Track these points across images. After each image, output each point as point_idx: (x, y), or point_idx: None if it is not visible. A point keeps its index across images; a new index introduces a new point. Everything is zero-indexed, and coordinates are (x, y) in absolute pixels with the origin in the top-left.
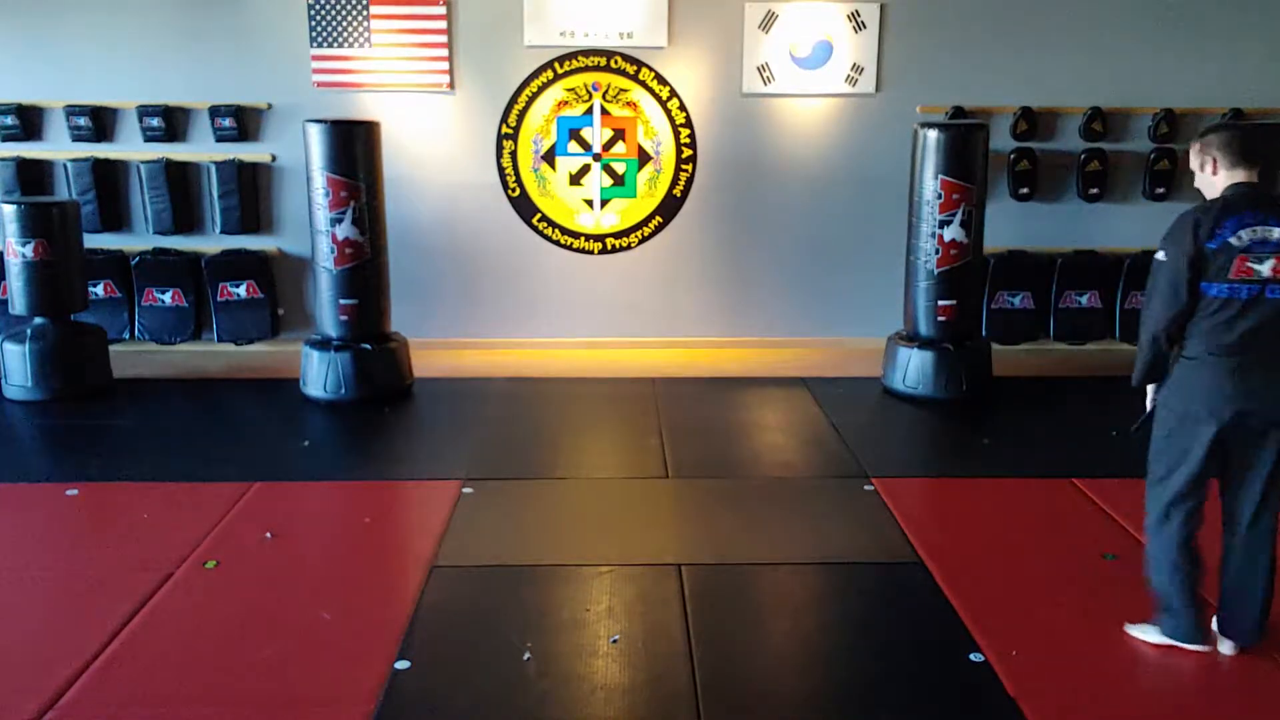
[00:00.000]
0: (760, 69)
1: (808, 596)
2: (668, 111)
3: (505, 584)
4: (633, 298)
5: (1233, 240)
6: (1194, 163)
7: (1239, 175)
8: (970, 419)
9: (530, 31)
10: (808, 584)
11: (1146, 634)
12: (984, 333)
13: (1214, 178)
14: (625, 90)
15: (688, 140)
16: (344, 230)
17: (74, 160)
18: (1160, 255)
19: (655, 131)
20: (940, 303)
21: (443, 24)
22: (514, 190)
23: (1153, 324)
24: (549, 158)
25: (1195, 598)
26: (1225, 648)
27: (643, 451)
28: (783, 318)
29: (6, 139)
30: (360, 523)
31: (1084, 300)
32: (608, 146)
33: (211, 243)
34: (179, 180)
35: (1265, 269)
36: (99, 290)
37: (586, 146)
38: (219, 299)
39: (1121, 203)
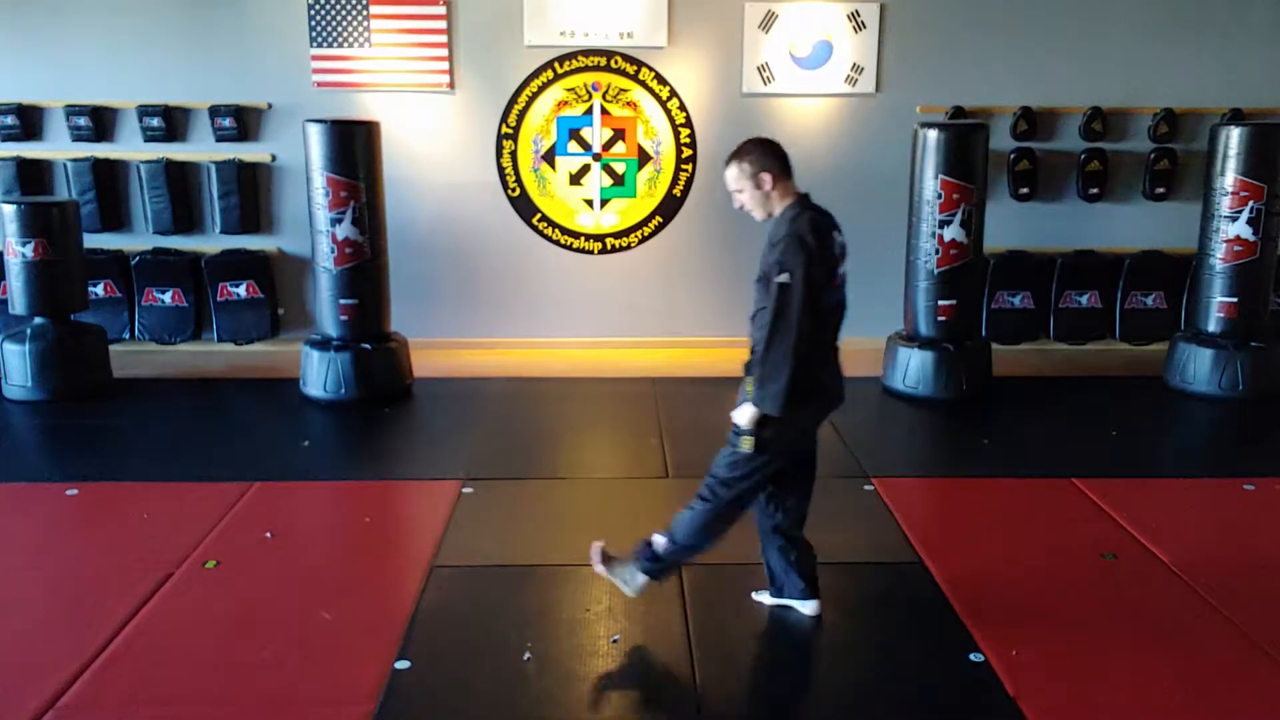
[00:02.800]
0: (760, 69)
1: None
2: (668, 111)
3: (505, 584)
4: (632, 298)
5: (835, 251)
6: (743, 183)
7: (794, 186)
8: (970, 419)
9: (530, 31)
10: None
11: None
12: (984, 333)
13: (772, 192)
14: (625, 90)
15: (688, 140)
16: (344, 230)
17: (74, 160)
18: (785, 277)
19: (655, 131)
20: (940, 303)
21: (443, 24)
22: (514, 190)
23: (796, 344)
24: (549, 158)
25: None
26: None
27: (643, 451)
28: None
29: (6, 139)
30: (360, 523)
31: (1084, 300)
32: (608, 146)
33: (211, 243)
34: (179, 180)
35: (842, 271)
36: (99, 290)
37: (586, 146)
38: (219, 299)
39: (1121, 203)
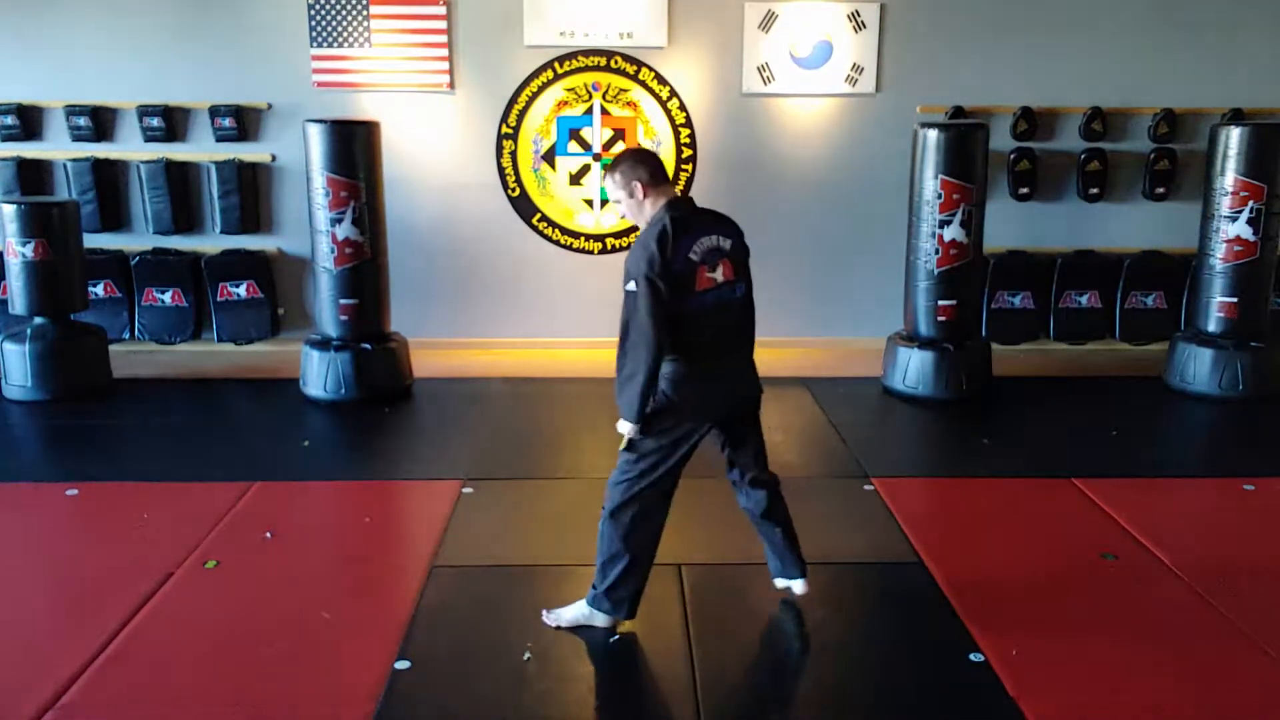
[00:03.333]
0: (760, 69)
1: (808, 596)
2: (668, 111)
3: (505, 584)
4: None
5: (696, 255)
6: (619, 194)
7: (668, 191)
8: (970, 419)
9: (530, 31)
10: (808, 584)
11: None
12: (984, 333)
13: (644, 200)
14: (625, 90)
15: (688, 140)
16: (344, 230)
17: (74, 160)
18: (631, 285)
19: (655, 131)
20: (940, 303)
21: (443, 24)
22: (514, 190)
23: (648, 352)
24: (549, 158)
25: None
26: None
27: None
28: (783, 318)
29: (6, 139)
30: (360, 523)
31: (1084, 300)
32: (608, 146)
33: (211, 243)
34: (179, 180)
35: (716, 275)
36: (99, 290)
37: (586, 146)
38: (219, 299)
39: (1121, 203)
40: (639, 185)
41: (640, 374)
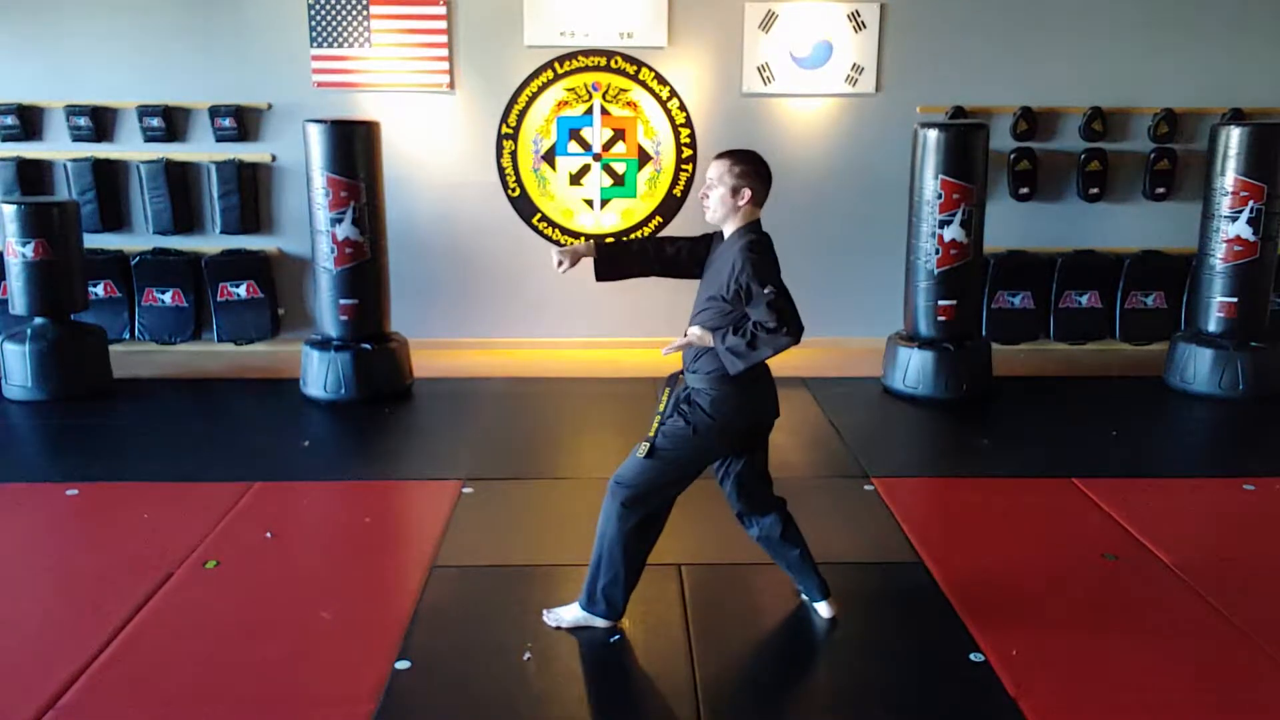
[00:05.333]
0: (760, 69)
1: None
2: (668, 111)
3: (505, 584)
4: (633, 298)
5: None
6: (724, 183)
7: (758, 214)
8: (970, 419)
9: (530, 31)
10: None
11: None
12: (984, 333)
13: (742, 207)
14: (625, 90)
15: (688, 140)
16: (344, 230)
17: (74, 160)
18: (770, 290)
19: (655, 131)
20: (940, 303)
21: (443, 24)
22: (514, 190)
23: (795, 341)
24: (549, 158)
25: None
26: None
27: None
28: None
29: (6, 139)
30: (360, 523)
31: (1084, 300)
32: (608, 146)
33: (211, 243)
34: (179, 180)
35: None
36: (99, 290)
37: (586, 146)
38: (219, 299)
39: (1121, 203)
40: (749, 193)
41: (767, 355)
